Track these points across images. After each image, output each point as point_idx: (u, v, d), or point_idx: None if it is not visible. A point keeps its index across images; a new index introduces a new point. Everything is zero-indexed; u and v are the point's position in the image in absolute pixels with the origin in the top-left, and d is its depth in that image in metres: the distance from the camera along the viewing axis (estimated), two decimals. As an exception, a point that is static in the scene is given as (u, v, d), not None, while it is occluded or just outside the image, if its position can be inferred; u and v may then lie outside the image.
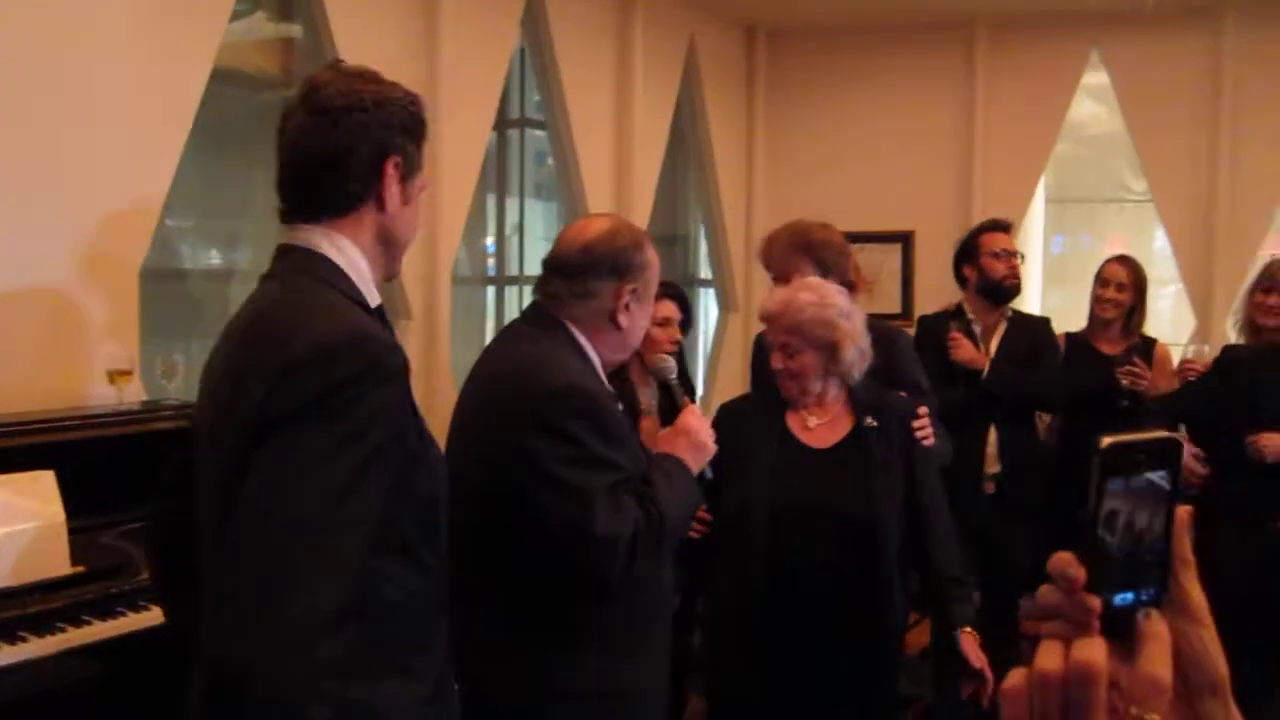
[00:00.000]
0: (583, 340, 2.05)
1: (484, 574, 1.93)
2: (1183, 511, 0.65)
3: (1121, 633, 0.62)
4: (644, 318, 2.12)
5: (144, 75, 3.15)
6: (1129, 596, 0.62)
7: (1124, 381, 3.86)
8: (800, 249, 3.01)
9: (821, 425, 2.56)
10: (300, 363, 1.40)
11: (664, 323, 3.44)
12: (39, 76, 2.91)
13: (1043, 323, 4.02)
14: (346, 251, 1.55)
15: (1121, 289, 3.99)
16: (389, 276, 1.67)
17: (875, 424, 2.53)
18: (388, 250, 1.62)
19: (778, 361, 2.55)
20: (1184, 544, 0.65)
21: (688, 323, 3.75)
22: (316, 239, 1.55)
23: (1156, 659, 0.62)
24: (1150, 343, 4.03)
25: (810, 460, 2.52)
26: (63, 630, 2.40)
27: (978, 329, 3.89)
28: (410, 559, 1.52)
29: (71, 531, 2.55)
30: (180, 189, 3.36)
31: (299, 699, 1.31)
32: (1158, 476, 0.63)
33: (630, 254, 2.08)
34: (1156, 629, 0.63)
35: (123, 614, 2.53)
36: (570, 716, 1.97)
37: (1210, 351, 3.78)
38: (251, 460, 1.38)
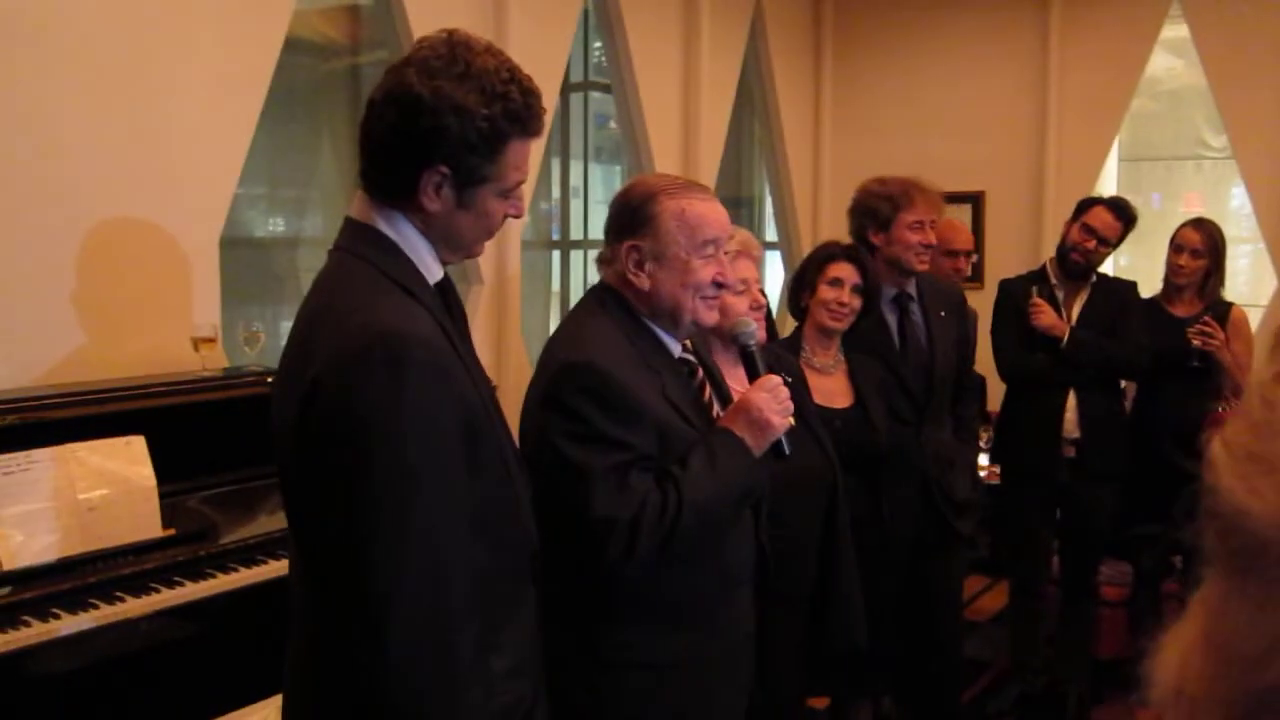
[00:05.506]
0: (641, 309, 1.99)
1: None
2: None
3: None
4: (675, 277, 1.94)
5: (221, 45, 3.18)
6: None
7: (1194, 341, 3.77)
8: (941, 201, 3.29)
9: None
10: (321, 381, 1.41)
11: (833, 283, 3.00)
12: (122, 51, 2.94)
13: (1128, 287, 3.89)
14: (402, 230, 1.52)
15: (1196, 255, 3.88)
16: (451, 262, 1.61)
17: (789, 380, 2.49)
18: (445, 244, 1.56)
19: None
20: None
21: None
22: (372, 213, 1.53)
23: None
24: (1227, 306, 3.92)
25: None
26: (156, 591, 2.47)
27: (1060, 294, 3.80)
28: (484, 537, 1.50)
29: (160, 496, 2.61)
30: (249, 158, 3.39)
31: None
32: None
33: (634, 208, 1.97)
34: None
35: (212, 575, 2.58)
36: (619, 687, 1.92)
37: None
38: (313, 484, 1.43)
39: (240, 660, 2.51)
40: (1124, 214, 3.77)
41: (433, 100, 1.45)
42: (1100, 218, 3.74)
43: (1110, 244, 3.75)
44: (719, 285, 1.99)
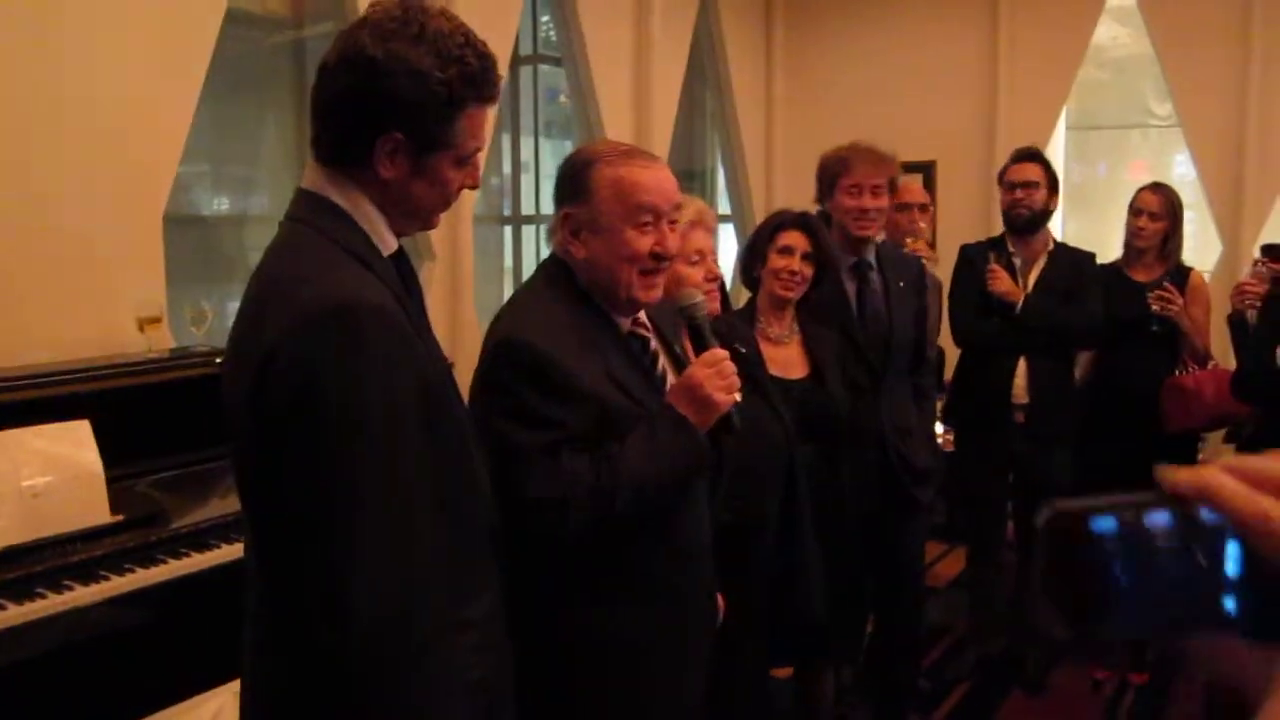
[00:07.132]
0: (585, 282, 1.93)
1: None
2: None
3: None
4: (610, 248, 1.87)
5: (161, 17, 3.09)
6: None
7: (1154, 307, 3.81)
8: (887, 165, 3.19)
9: None
10: (276, 352, 1.35)
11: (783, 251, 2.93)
12: (59, 23, 2.85)
13: (1086, 257, 3.93)
14: (355, 200, 1.47)
15: (1155, 218, 3.92)
16: (406, 234, 1.56)
17: (744, 350, 2.41)
18: (400, 213, 1.51)
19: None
20: None
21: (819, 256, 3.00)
22: (324, 182, 1.48)
23: None
24: (1186, 271, 3.97)
25: None
26: (106, 578, 2.41)
27: (1017, 261, 3.83)
28: (444, 511, 1.46)
29: (107, 481, 2.55)
30: (193, 135, 3.30)
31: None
32: None
33: (573, 174, 1.91)
34: None
35: (163, 561, 2.53)
36: (575, 665, 1.90)
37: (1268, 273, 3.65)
38: (274, 456, 1.36)
39: (195, 646, 2.46)
40: (1030, 155, 3.86)
41: (387, 62, 1.41)
42: (1013, 171, 3.83)
43: (1035, 185, 3.80)
44: (658, 258, 1.90)
